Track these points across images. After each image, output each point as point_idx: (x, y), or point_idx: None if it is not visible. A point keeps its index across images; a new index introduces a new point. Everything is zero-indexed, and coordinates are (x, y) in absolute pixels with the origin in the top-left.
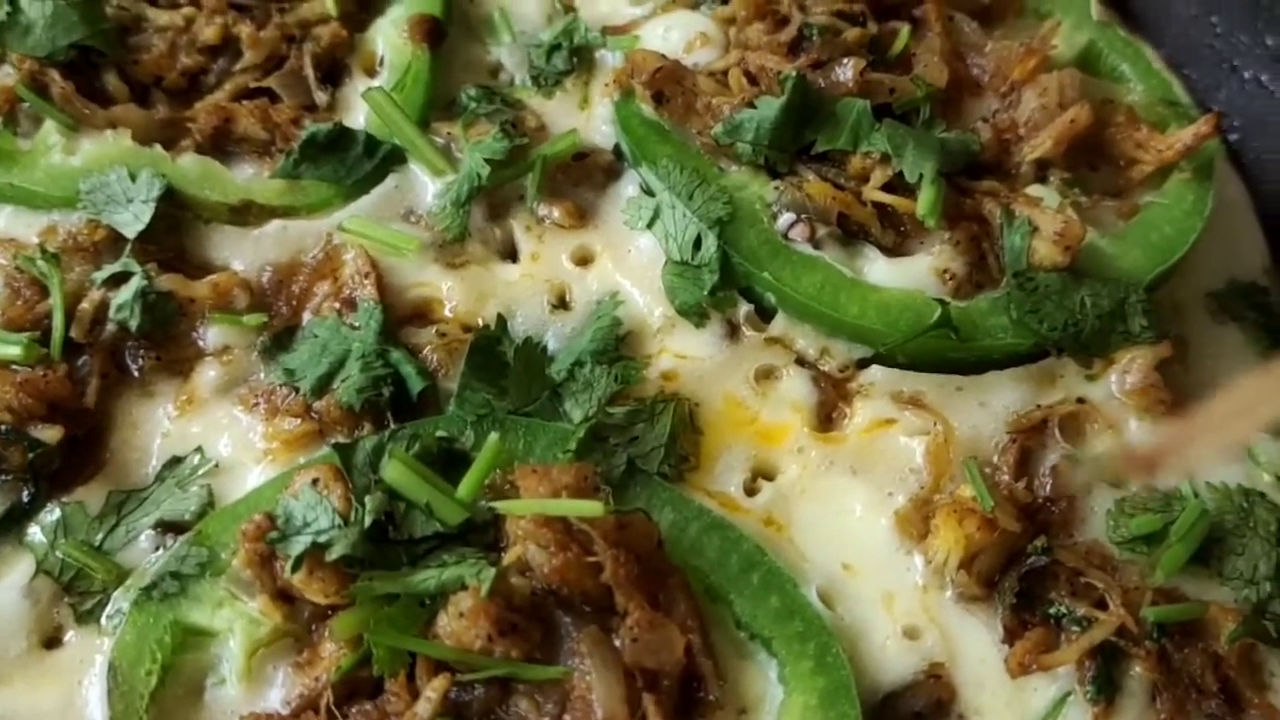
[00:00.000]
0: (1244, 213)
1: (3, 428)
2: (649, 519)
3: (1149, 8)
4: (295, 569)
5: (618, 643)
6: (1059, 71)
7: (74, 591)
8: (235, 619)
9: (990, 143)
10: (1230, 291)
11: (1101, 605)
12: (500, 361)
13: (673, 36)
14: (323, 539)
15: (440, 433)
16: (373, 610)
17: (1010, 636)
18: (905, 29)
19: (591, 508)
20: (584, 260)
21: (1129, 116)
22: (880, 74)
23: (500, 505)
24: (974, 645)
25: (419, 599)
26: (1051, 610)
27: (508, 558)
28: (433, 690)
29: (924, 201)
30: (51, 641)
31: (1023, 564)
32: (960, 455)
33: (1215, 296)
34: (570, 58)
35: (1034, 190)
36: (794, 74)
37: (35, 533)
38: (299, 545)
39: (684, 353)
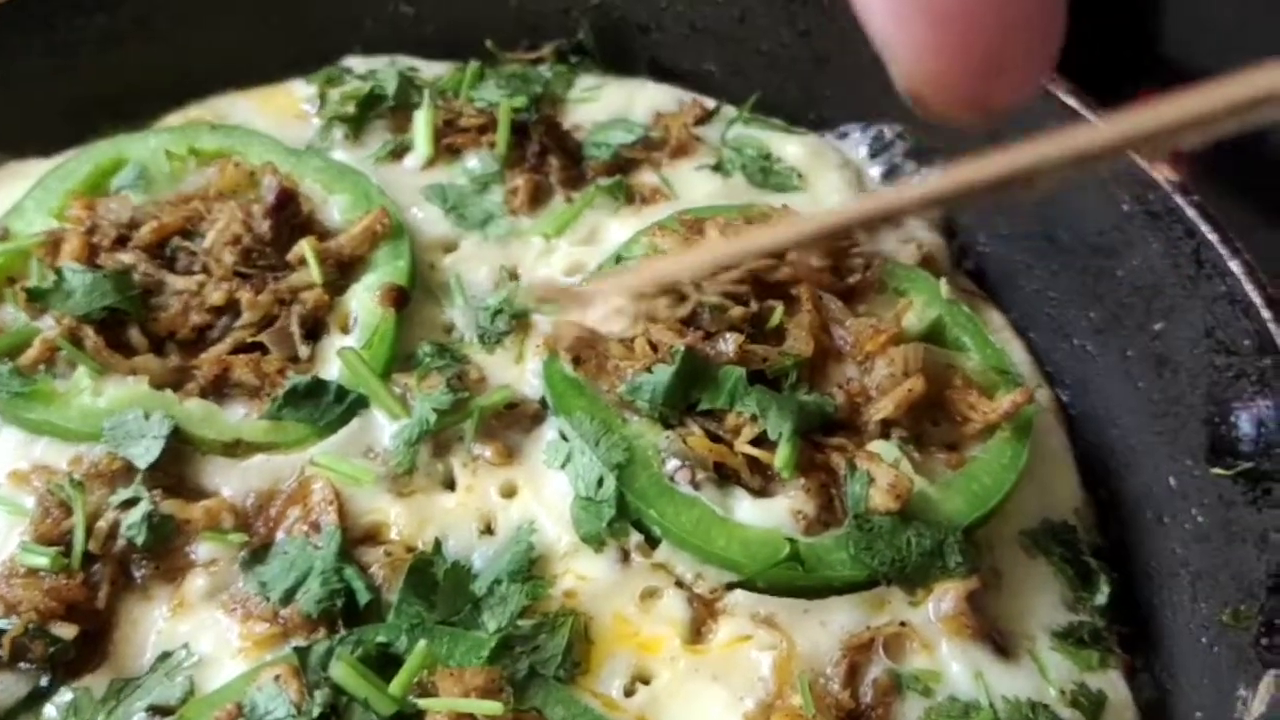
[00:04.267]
0: (1063, 461)
1: (30, 626)
2: (541, 715)
3: (1001, 283)
4: None
5: None
6: (906, 345)
7: None
8: None
9: (844, 405)
10: (1042, 530)
11: None
12: (433, 580)
13: (591, 310)
14: None
15: (380, 639)
16: None
17: None
18: (779, 308)
19: (492, 707)
20: (509, 492)
21: (965, 381)
22: (757, 346)
23: (422, 702)
24: None
25: None
26: None
27: None
28: None
29: (780, 457)
30: None
31: None
32: (800, 667)
33: (1029, 534)
34: (510, 320)
35: (876, 445)
36: (683, 348)
37: (50, 711)
38: None
39: (584, 574)
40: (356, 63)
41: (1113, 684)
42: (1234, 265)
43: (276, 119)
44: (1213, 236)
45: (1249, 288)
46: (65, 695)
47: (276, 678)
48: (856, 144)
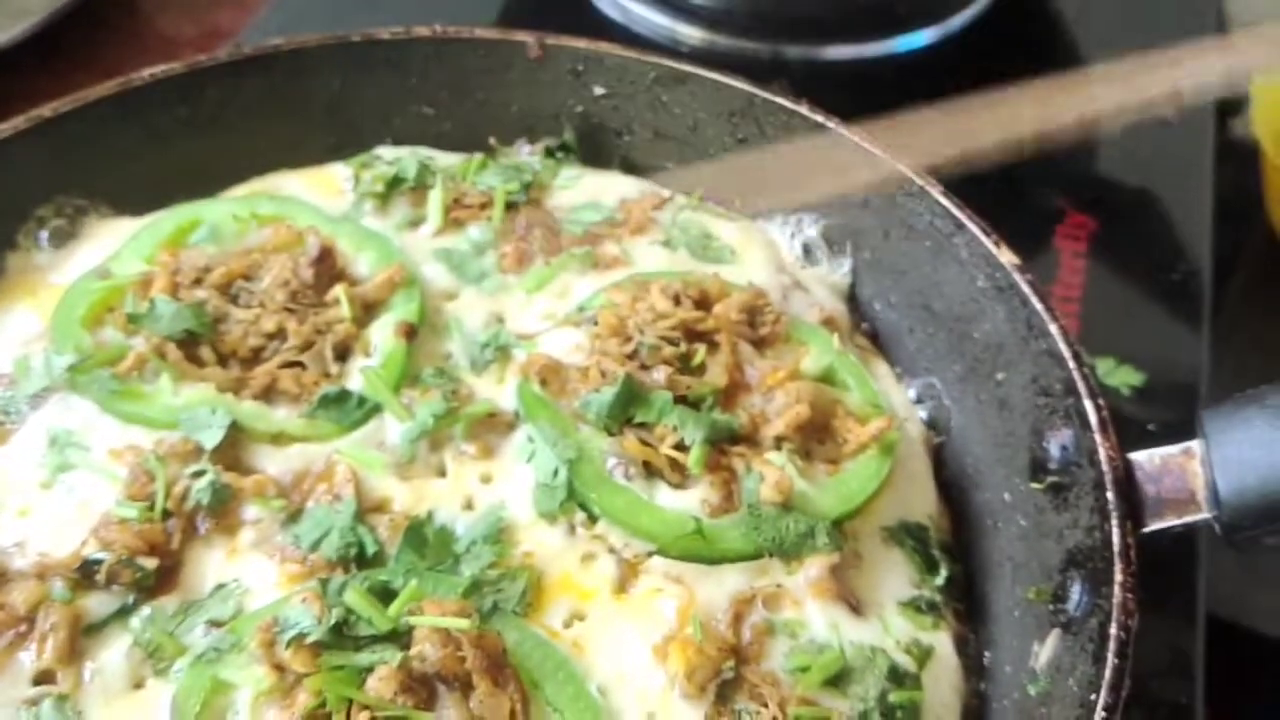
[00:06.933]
0: (923, 479)
1: (122, 559)
2: (499, 636)
3: (890, 342)
4: (287, 648)
5: (471, 704)
6: (800, 382)
7: (154, 657)
8: (248, 678)
9: (747, 424)
10: (899, 527)
11: (767, 705)
12: (424, 539)
13: (557, 346)
14: (305, 632)
15: (382, 577)
16: (330, 676)
17: None
18: (703, 349)
19: (462, 624)
20: (487, 479)
21: (846, 413)
22: (682, 377)
23: (411, 619)
24: None
25: (358, 670)
26: (738, 707)
27: (413, 650)
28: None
29: (692, 460)
30: (138, 685)
31: (720, 677)
32: (696, 614)
33: (887, 529)
34: (495, 352)
35: (770, 455)
36: (624, 375)
37: (134, 621)
38: (290, 635)
39: (540, 540)
40: (386, 151)
41: (941, 642)
42: (1052, 328)
43: (320, 193)
44: (1039, 306)
45: (1061, 346)
46: (145, 611)
47: (304, 599)
48: (779, 228)
